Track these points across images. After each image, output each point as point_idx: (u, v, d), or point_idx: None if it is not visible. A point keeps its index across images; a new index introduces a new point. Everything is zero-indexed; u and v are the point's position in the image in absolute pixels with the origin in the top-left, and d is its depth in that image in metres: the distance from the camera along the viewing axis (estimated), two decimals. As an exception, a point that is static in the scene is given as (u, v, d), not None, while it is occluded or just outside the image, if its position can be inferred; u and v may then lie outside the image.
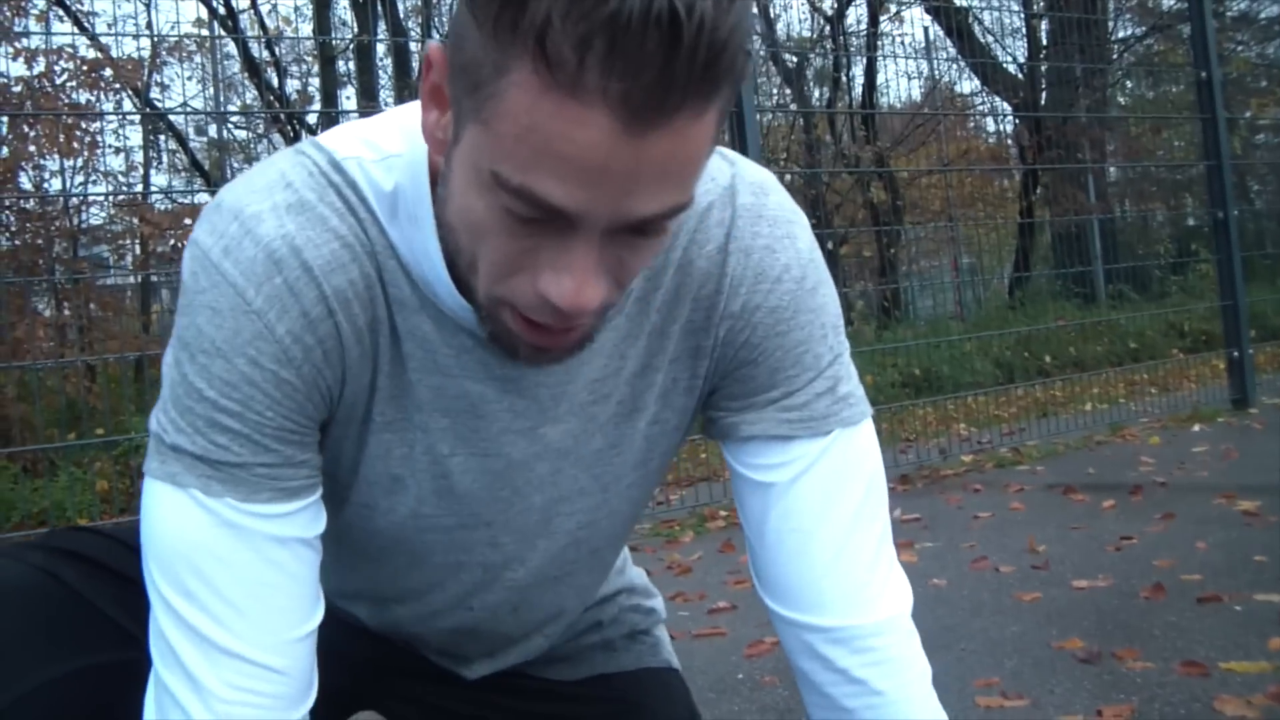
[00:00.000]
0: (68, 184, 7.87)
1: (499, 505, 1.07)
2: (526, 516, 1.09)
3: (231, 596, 0.91)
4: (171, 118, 10.49)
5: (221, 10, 12.21)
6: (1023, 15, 12.15)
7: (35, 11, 9.09)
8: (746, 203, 1.04)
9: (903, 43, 12.03)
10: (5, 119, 7.41)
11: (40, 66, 7.66)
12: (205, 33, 10.80)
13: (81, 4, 9.74)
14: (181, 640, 0.92)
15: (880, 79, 12.50)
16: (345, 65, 13.29)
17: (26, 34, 7.94)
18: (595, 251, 0.80)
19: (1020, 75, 12.22)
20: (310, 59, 12.88)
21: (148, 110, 8.80)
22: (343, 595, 1.18)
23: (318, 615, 0.98)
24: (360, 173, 0.94)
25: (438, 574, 1.12)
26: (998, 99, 12.52)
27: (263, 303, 0.90)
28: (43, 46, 7.70)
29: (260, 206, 0.91)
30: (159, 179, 10.87)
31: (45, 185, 7.73)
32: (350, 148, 0.95)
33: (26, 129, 7.45)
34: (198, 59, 10.09)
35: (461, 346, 0.98)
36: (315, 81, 13.24)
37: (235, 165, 12.38)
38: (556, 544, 1.13)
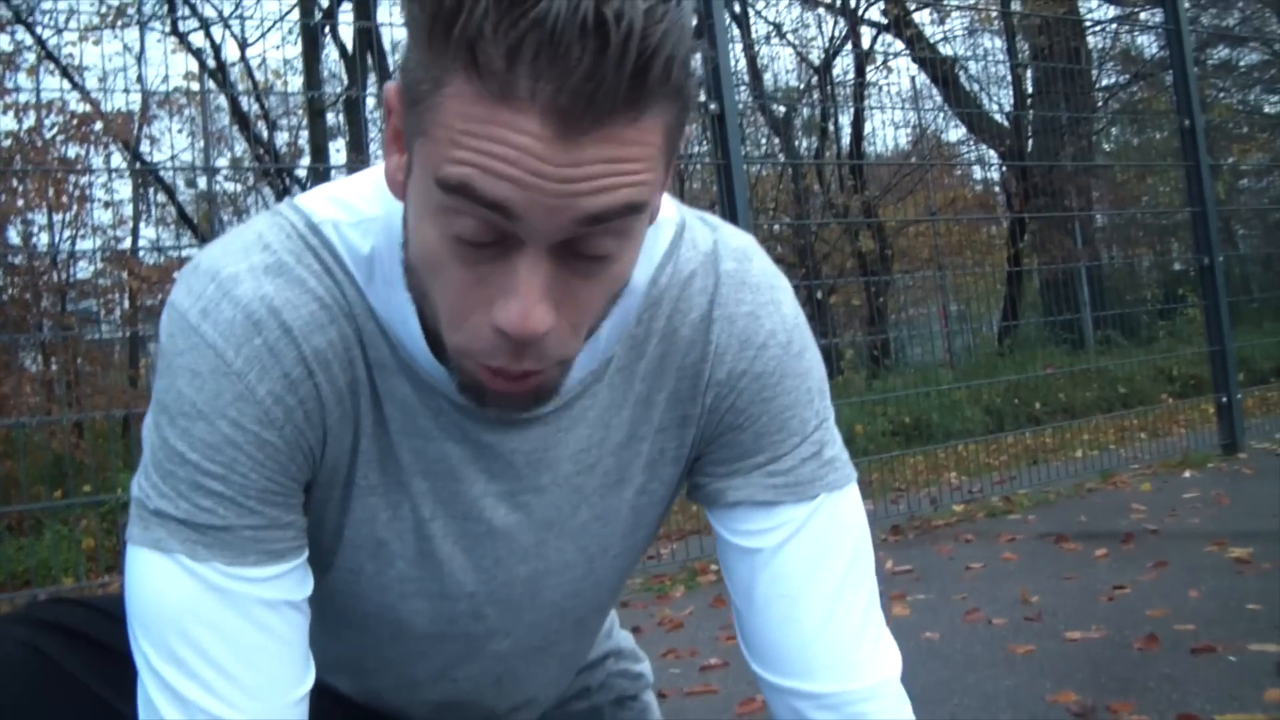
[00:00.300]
0: (57, 238, 7.87)
1: (482, 574, 1.06)
2: (511, 588, 1.08)
3: (222, 662, 0.90)
4: (161, 171, 10.53)
5: (212, 64, 12.28)
6: (1008, 64, 12.26)
7: (26, 66, 9.14)
8: (730, 269, 1.04)
9: (890, 92, 12.13)
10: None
11: (30, 121, 7.69)
12: (195, 87, 10.84)
13: (72, 58, 9.78)
14: (171, 709, 0.90)
15: (868, 128, 12.58)
16: (335, 118, 13.36)
17: (17, 89, 7.98)
18: (542, 271, 0.80)
19: (1006, 124, 12.31)
20: (300, 112, 12.95)
21: (138, 165, 8.82)
22: (324, 665, 1.17)
23: (309, 680, 0.97)
24: (336, 236, 0.94)
25: (420, 644, 1.11)
26: (984, 147, 12.62)
27: (243, 364, 0.89)
28: (33, 101, 7.74)
29: (237, 268, 0.91)
30: (148, 232, 10.89)
31: (34, 239, 7.73)
32: (326, 210, 0.95)
33: (16, 183, 7.46)
34: (188, 112, 10.13)
35: (439, 409, 0.97)
36: (305, 134, 13.30)
37: (225, 218, 12.39)
38: (541, 615, 1.11)
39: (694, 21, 0.78)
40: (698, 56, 0.79)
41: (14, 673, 1.03)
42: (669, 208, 1.04)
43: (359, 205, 0.96)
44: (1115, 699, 2.38)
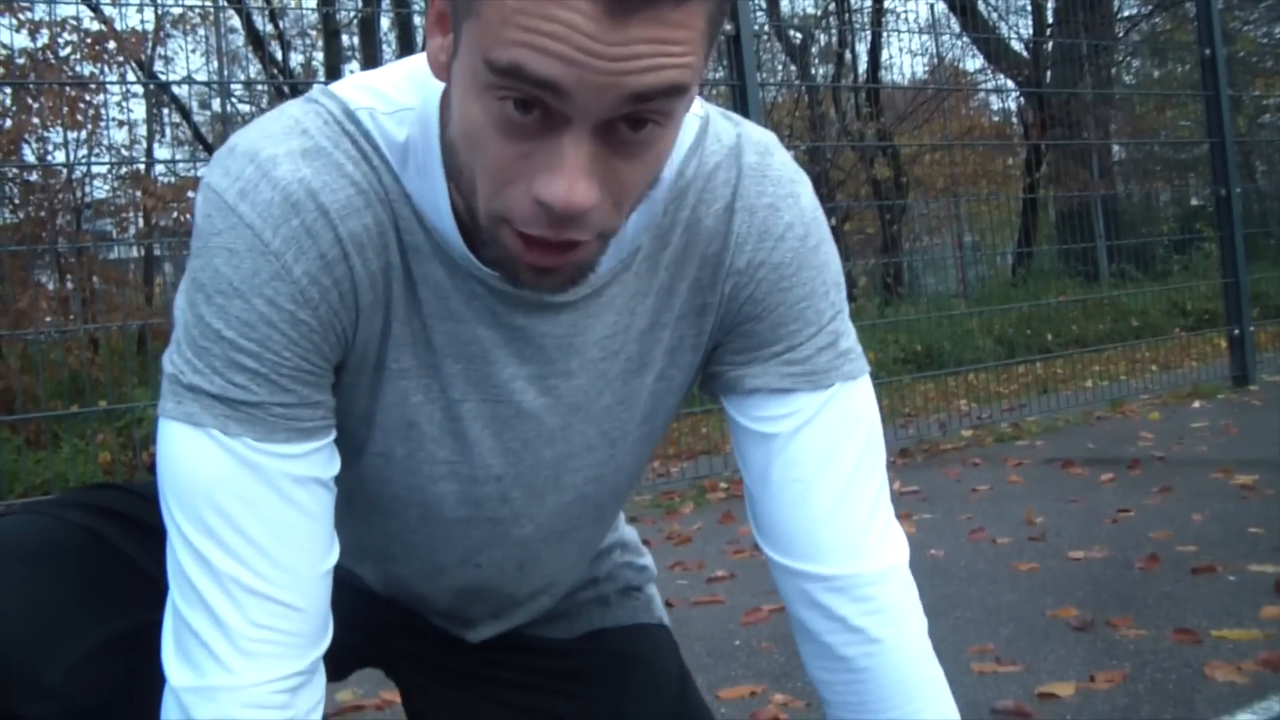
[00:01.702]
0: (71, 156, 7.87)
1: (510, 457, 1.09)
2: (536, 471, 1.11)
3: (253, 534, 0.93)
4: (175, 90, 10.50)
5: (225, -17, 12.19)
6: (1028, -8, 12.13)
7: (39, -16, 9.09)
8: (751, 162, 1.06)
9: (907, 19, 11.98)
10: (8, 90, 7.40)
11: (44, 39, 7.66)
12: (209, 4, 10.78)
13: (85, -25, 9.72)
14: (204, 578, 0.93)
15: (885, 55, 12.46)
16: (349, 39, 13.28)
17: (31, 5, 7.94)
18: (586, 148, 0.81)
19: (1025, 53, 12.19)
20: (314, 32, 12.87)
21: (151, 83, 8.80)
22: (350, 554, 1.20)
23: (334, 554, 0.99)
24: (373, 124, 0.96)
25: (447, 528, 1.14)
26: (1002, 76, 12.50)
27: (280, 244, 0.91)
28: (46, 19, 7.70)
29: (275, 150, 0.92)
30: (162, 152, 10.88)
31: (49, 157, 7.73)
32: (362, 99, 0.97)
33: (30, 101, 7.45)
34: (201, 32, 10.09)
35: (472, 293, 0.99)
36: (319, 55, 13.24)
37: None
38: (564, 499, 1.15)
39: None
40: None
41: (78, 557, 1.07)
42: (694, 104, 1.05)
43: (394, 95, 0.97)
44: (1115, 615, 2.42)
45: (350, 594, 1.19)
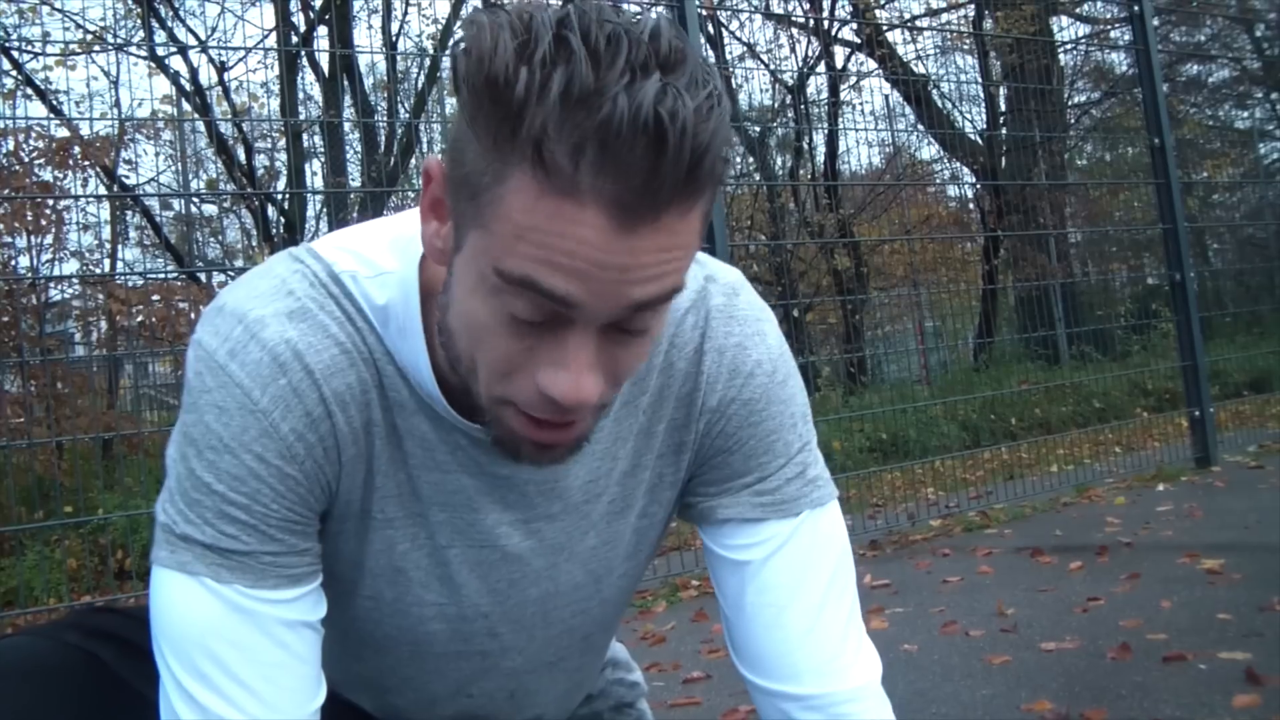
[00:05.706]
0: (35, 261, 7.87)
1: (497, 596, 1.12)
2: (523, 609, 1.14)
3: (244, 678, 0.96)
4: (139, 195, 10.51)
5: (189, 87, 12.27)
6: (980, 83, 12.37)
7: (4, 91, 9.14)
8: (719, 304, 1.11)
9: (863, 111, 12.20)
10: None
11: (9, 145, 7.69)
12: (173, 110, 10.85)
13: (50, 82, 9.80)
14: None
15: (842, 146, 12.67)
16: (312, 140, 13.36)
17: (-1, 116, 7.98)
18: (591, 346, 0.86)
19: (980, 141, 12.41)
20: (278, 134, 12.95)
21: (116, 191, 8.83)
22: (347, 685, 1.22)
23: (322, 695, 1.02)
24: (355, 287, 1.00)
25: (437, 662, 1.17)
26: (958, 164, 12.71)
27: (268, 402, 0.95)
28: (11, 126, 7.74)
29: (263, 311, 0.96)
30: (127, 254, 10.89)
31: (13, 263, 7.72)
32: (346, 262, 1.01)
33: (-6, 207, 7.46)
34: (166, 135, 10.16)
35: (456, 444, 1.03)
36: (283, 156, 13.30)
37: (201, 240, 12.39)
38: (551, 633, 1.18)
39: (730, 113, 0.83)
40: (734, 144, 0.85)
41: (73, 680, 1.09)
42: None
43: (376, 259, 1.02)
44: (1089, 707, 2.43)
45: (351, 718, 1.22)
